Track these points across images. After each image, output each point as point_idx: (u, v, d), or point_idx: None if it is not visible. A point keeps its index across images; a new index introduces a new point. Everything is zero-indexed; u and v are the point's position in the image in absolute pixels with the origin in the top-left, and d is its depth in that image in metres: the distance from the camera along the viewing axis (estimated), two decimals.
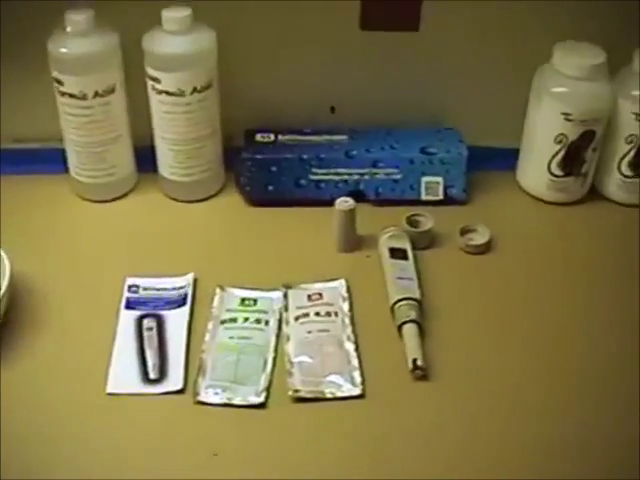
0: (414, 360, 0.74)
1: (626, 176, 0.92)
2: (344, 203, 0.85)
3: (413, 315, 0.78)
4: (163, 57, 0.85)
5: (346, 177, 0.90)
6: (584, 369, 0.77)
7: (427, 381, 0.74)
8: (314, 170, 0.90)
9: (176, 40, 0.84)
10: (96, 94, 0.86)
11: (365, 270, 0.85)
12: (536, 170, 0.93)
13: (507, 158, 0.97)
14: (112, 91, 0.87)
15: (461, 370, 0.76)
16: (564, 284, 0.85)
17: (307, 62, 0.94)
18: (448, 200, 0.92)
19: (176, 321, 0.79)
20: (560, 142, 0.89)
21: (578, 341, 0.79)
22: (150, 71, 0.86)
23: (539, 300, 0.84)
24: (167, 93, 0.85)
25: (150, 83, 0.87)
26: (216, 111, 0.90)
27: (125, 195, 0.94)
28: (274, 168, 0.90)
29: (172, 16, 0.84)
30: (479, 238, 0.88)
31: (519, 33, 0.93)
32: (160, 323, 0.79)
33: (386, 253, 0.84)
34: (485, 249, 0.87)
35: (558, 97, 0.88)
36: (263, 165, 0.90)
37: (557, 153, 0.90)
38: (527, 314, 0.82)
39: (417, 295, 0.80)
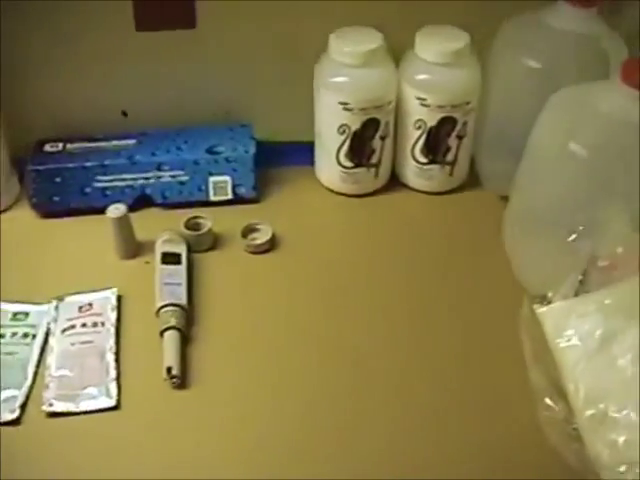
0: (168, 368, 0.72)
1: (421, 163, 0.90)
2: (115, 210, 0.83)
3: (174, 322, 0.76)
4: None
5: (131, 182, 0.88)
6: (361, 365, 0.74)
7: (185, 389, 0.72)
8: (99, 177, 0.88)
9: None
10: None
11: (141, 277, 0.82)
12: (328, 163, 0.91)
13: (310, 153, 0.94)
14: None
15: (224, 377, 0.74)
16: (351, 278, 0.83)
17: (92, 68, 0.92)
18: (238, 199, 0.90)
19: None
20: (343, 133, 0.87)
21: (356, 338, 0.77)
22: None
23: (321, 297, 0.81)
24: None
25: None
26: None
27: None
28: (58, 179, 0.88)
29: None
30: (262, 237, 0.85)
31: (300, 23, 0.90)
32: None
33: (158, 258, 0.82)
34: (268, 248, 0.85)
35: (335, 87, 0.86)
36: (47, 176, 0.88)
37: (343, 144, 0.88)
38: (307, 314, 0.79)
39: (182, 301, 0.78)
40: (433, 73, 0.85)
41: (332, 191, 0.93)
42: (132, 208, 0.88)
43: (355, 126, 0.86)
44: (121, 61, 0.92)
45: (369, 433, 0.69)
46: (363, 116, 0.86)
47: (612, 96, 0.73)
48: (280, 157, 0.94)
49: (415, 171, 0.91)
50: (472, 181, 0.93)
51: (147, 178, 0.89)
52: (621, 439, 0.63)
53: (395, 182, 0.94)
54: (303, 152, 0.94)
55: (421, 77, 0.86)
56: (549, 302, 0.72)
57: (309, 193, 0.93)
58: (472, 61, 0.86)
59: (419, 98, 0.86)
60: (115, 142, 0.91)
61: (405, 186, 0.93)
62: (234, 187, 0.90)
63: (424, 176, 0.91)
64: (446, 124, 0.87)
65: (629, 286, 0.69)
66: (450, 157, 0.89)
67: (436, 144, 0.88)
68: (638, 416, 0.63)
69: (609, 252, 0.72)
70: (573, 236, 0.74)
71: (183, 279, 0.80)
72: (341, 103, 0.85)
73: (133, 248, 0.85)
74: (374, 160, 0.89)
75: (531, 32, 0.84)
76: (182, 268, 0.81)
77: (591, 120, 0.74)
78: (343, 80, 0.85)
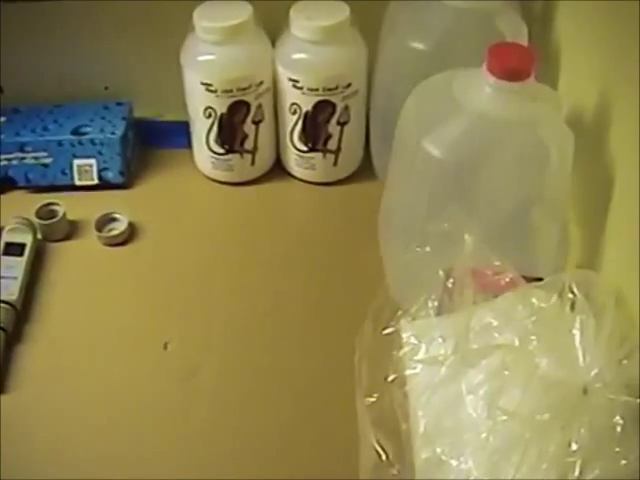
0: None
1: (300, 150, 0.82)
2: None
3: None
4: None
5: None
6: (201, 371, 0.68)
7: (2, 394, 0.67)
8: None
9: None
10: None
11: None
12: (200, 148, 0.83)
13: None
14: None
15: (48, 382, 0.68)
16: (212, 274, 0.76)
17: None
18: (106, 184, 0.84)
19: None
20: (210, 116, 0.79)
21: (204, 342, 0.71)
22: None
23: (175, 296, 0.75)
24: None
25: None
26: None
27: None
28: None
29: None
30: (119, 227, 0.79)
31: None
32: None
33: (1, 248, 0.77)
34: (124, 240, 0.79)
35: (197, 66, 0.78)
36: None
37: (211, 128, 0.80)
38: (156, 316, 0.73)
39: (13, 297, 0.72)
40: (307, 52, 0.77)
41: (207, 177, 0.85)
42: None
43: (221, 109, 0.78)
44: None
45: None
46: (229, 98, 0.77)
47: (475, 87, 0.63)
48: (163, 138, 0.87)
49: (296, 159, 0.83)
50: (366, 172, 0.84)
51: (9, 159, 0.83)
52: None
53: (280, 170, 0.86)
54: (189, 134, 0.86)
55: (294, 57, 0.77)
56: (413, 318, 0.65)
57: (184, 179, 0.85)
58: (353, 40, 0.77)
59: (291, 80, 0.77)
60: None
61: (290, 175, 0.85)
62: (100, 171, 0.83)
63: (305, 165, 0.83)
64: (324, 109, 0.78)
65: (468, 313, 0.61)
66: (332, 145, 0.81)
67: (314, 131, 0.80)
68: (474, 466, 0.55)
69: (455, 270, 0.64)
70: (427, 248, 0.66)
71: (20, 273, 0.75)
72: (203, 84, 0.77)
73: None
74: (248, 146, 0.81)
75: (418, 9, 0.74)
76: (22, 261, 0.76)
77: (449, 114, 0.64)
78: (205, 59, 0.77)
